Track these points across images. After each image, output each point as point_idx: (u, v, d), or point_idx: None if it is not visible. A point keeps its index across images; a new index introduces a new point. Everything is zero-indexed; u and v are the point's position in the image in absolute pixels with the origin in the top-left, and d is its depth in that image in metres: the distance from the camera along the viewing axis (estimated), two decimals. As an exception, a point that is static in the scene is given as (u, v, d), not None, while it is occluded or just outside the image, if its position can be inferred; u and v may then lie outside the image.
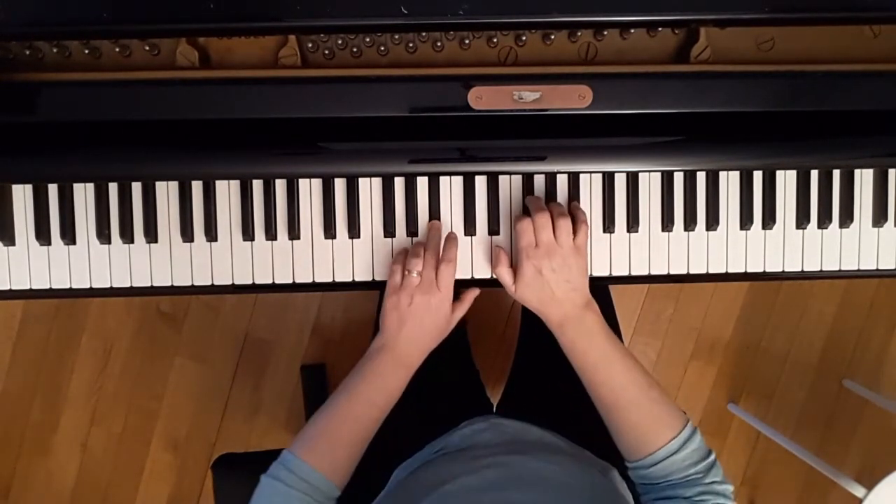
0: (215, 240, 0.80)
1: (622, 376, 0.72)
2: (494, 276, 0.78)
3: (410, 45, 0.73)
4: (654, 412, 0.71)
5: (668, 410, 0.71)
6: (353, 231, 0.81)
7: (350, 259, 0.81)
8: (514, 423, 0.86)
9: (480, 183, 0.81)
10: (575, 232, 0.75)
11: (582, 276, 0.75)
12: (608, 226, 0.81)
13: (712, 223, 0.82)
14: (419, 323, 0.75)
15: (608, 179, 0.81)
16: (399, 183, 0.81)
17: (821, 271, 0.84)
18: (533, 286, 0.74)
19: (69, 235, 0.80)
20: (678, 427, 0.70)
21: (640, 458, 0.70)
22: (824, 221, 0.82)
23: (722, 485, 0.68)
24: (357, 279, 0.82)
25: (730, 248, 0.83)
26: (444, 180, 0.81)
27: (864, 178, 0.83)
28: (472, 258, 0.82)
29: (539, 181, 0.81)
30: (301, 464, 0.69)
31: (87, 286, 0.81)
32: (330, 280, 0.82)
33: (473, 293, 0.81)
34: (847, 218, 0.82)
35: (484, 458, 0.77)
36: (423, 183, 0.81)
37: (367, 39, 0.73)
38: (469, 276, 0.82)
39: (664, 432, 0.69)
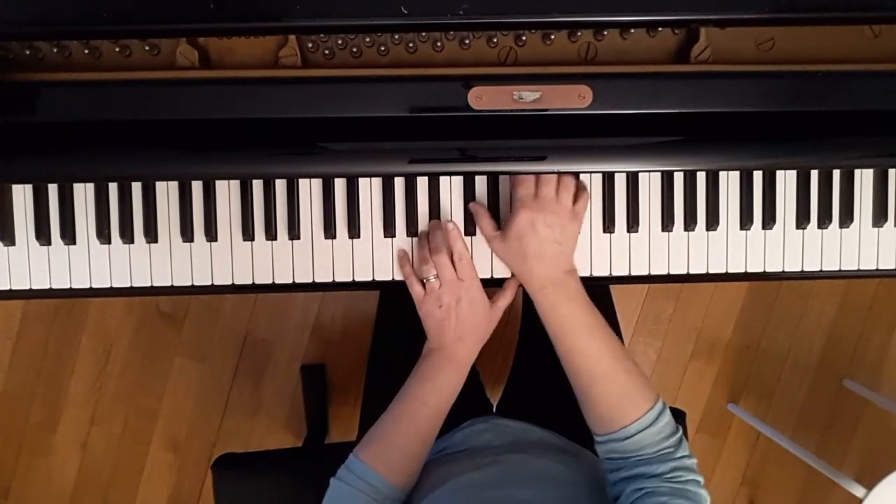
0: (215, 240, 0.80)
1: (602, 345, 0.71)
2: (481, 232, 0.77)
3: (410, 45, 0.73)
4: (630, 383, 0.70)
5: (643, 382, 0.71)
6: (353, 231, 0.81)
7: (350, 259, 0.81)
8: (515, 423, 0.86)
9: (480, 183, 0.81)
10: (576, 198, 0.74)
11: (572, 242, 0.74)
12: (608, 226, 0.81)
13: (712, 223, 0.82)
14: (457, 321, 0.74)
15: (608, 179, 0.81)
16: (399, 183, 0.81)
17: (821, 271, 0.84)
18: (522, 238, 0.72)
19: (69, 235, 0.80)
20: (652, 399, 0.69)
21: (613, 431, 0.69)
22: (824, 221, 0.82)
23: (690, 459, 0.68)
24: (357, 279, 0.82)
25: (730, 248, 0.83)
26: (444, 180, 0.81)
27: (864, 178, 0.83)
28: (472, 258, 0.81)
29: (539, 181, 0.81)
30: (360, 464, 0.70)
31: (87, 286, 0.81)
32: (330, 280, 0.82)
33: (515, 281, 0.78)
34: (847, 218, 0.82)
35: (486, 457, 0.77)
36: (423, 183, 0.81)
37: (367, 39, 0.73)
38: (469, 276, 0.82)
39: (640, 404, 0.69)
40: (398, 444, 0.72)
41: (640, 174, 0.81)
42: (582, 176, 0.81)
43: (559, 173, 0.73)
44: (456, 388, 0.75)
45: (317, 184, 0.80)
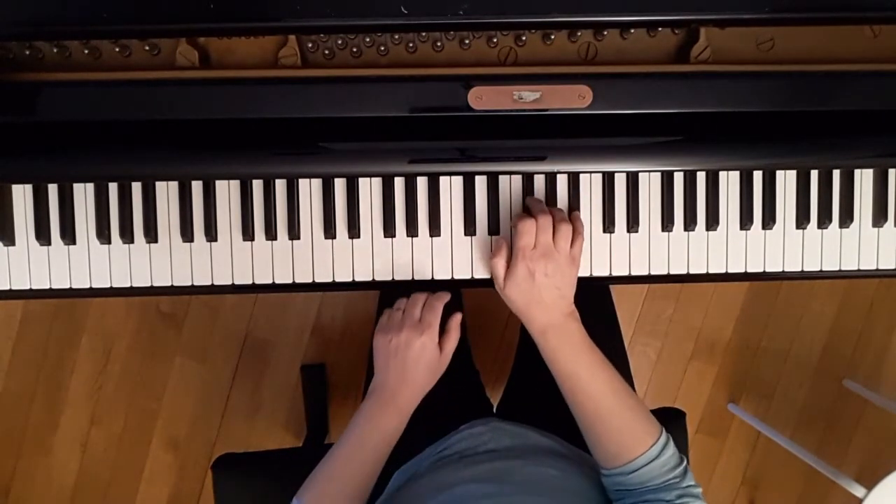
0: (215, 240, 0.80)
1: (604, 385, 0.72)
2: (489, 267, 0.78)
3: (410, 45, 0.73)
4: (633, 420, 0.71)
5: (647, 418, 0.72)
6: (353, 231, 0.81)
7: (350, 259, 0.81)
8: (513, 426, 0.86)
9: (480, 183, 0.81)
10: (572, 242, 0.75)
11: (571, 286, 0.76)
12: (608, 226, 0.81)
13: (712, 223, 0.82)
14: (403, 361, 0.76)
15: (608, 179, 0.81)
16: (399, 183, 0.80)
17: (821, 271, 0.84)
18: (522, 287, 0.74)
19: (69, 235, 0.80)
20: (656, 434, 0.71)
21: (619, 466, 0.70)
22: (824, 221, 0.82)
23: (696, 488, 0.69)
24: (357, 279, 0.82)
25: (730, 248, 0.83)
26: (444, 180, 0.81)
27: (864, 178, 0.83)
28: (472, 258, 0.81)
29: (539, 181, 0.81)
30: None
31: (87, 286, 0.81)
32: (330, 280, 0.82)
33: (457, 319, 0.80)
34: (847, 218, 0.82)
35: (483, 462, 0.77)
36: (423, 183, 0.81)
37: (367, 39, 0.73)
38: (469, 277, 0.82)
39: (644, 439, 0.70)
40: (339, 486, 0.72)
41: (640, 174, 0.81)
42: (582, 176, 0.81)
43: (556, 220, 0.74)
44: (396, 430, 0.75)
45: (317, 184, 0.80)
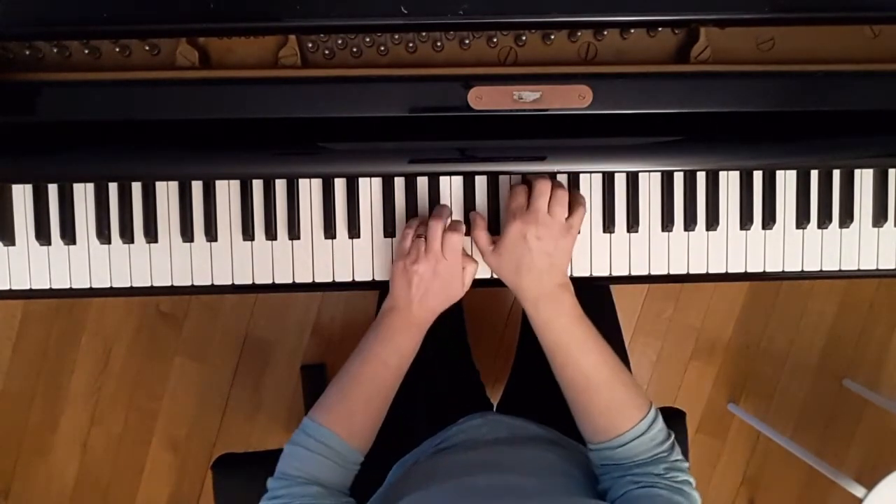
0: (215, 240, 0.80)
1: (596, 358, 0.71)
2: (475, 243, 0.77)
3: (410, 45, 0.73)
4: (623, 394, 0.70)
5: (636, 391, 0.71)
6: (353, 231, 0.81)
7: (350, 259, 0.81)
8: (511, 419, 0.86)
9: (480, 183, 0.81)
10: (571, 212, 0.74)
11: (565, 256, 0.73)
12: (608, 226, 0.81)
13: (712, 223, 0.82)
14: (426, 287, 0.73)
15: (608, 179, 0.81)
16: (399, 183, 0.81)
17: (821, 271, 0.84)
18: (513, 251, 0.72)
19: (69, 235, 0.80)
20: (645, 408, 0.70)
21: (606, 440, 0.69)
22: (824, 221, 0.82)
23: (683, 462, 0.69)
24: (357, 279, 0.82)
25: (730, 248, 0.83)
26: (444, 180, 0.81)
27: (864, 178, 0.83)
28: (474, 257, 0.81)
29: (539, 181, 0.81)
30: (319, 427, 0.69)
31: (87, 286, 0.81)
32: (330, 280, 0.82)
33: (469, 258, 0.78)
34: (847, 218, 0.82)
35: (479, 448, 0.77)
36: (423, 183, 0.81)
37: (367, 39, 0.73)
38: (469, 276, 0.82)
39: (633, 413, 0.69)
40: (359, 406, 0.71)
41: (640, 174, 0.81)
42: (582, 176, 0.81)
43: (553, 186, 0.73)
44: (416, 348, 0.74)
45: (317, 184, 0.80)
